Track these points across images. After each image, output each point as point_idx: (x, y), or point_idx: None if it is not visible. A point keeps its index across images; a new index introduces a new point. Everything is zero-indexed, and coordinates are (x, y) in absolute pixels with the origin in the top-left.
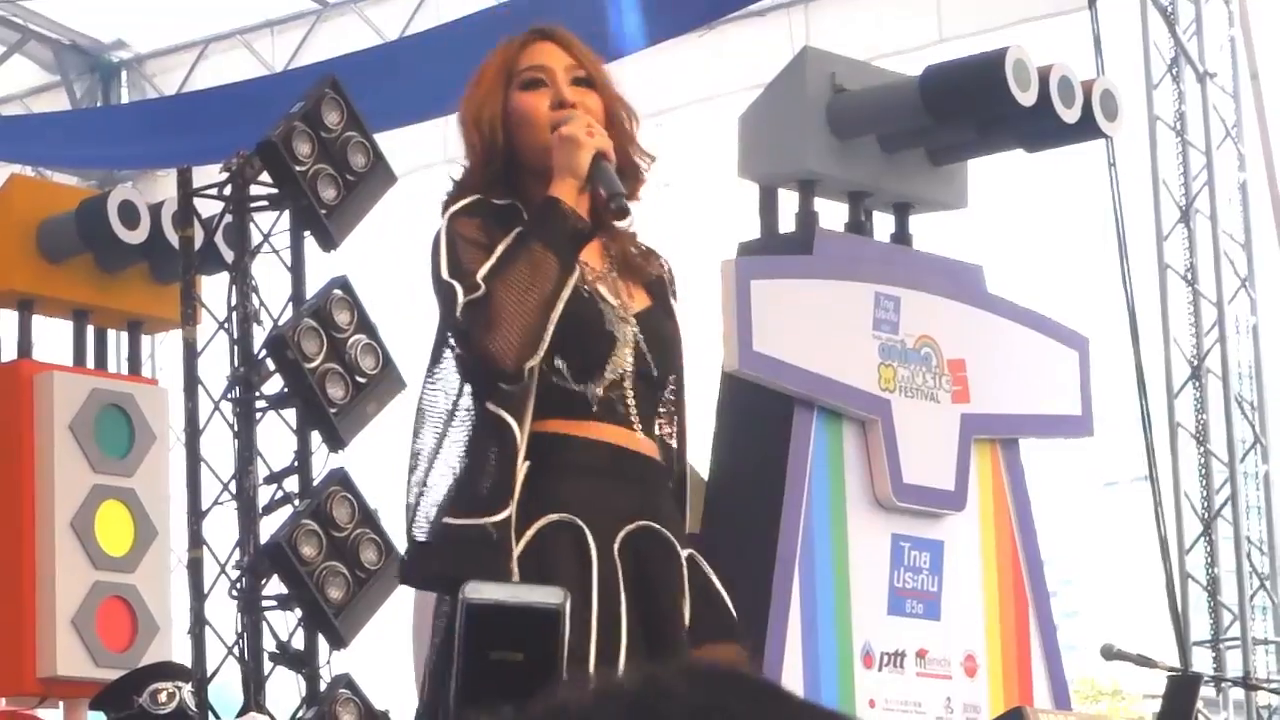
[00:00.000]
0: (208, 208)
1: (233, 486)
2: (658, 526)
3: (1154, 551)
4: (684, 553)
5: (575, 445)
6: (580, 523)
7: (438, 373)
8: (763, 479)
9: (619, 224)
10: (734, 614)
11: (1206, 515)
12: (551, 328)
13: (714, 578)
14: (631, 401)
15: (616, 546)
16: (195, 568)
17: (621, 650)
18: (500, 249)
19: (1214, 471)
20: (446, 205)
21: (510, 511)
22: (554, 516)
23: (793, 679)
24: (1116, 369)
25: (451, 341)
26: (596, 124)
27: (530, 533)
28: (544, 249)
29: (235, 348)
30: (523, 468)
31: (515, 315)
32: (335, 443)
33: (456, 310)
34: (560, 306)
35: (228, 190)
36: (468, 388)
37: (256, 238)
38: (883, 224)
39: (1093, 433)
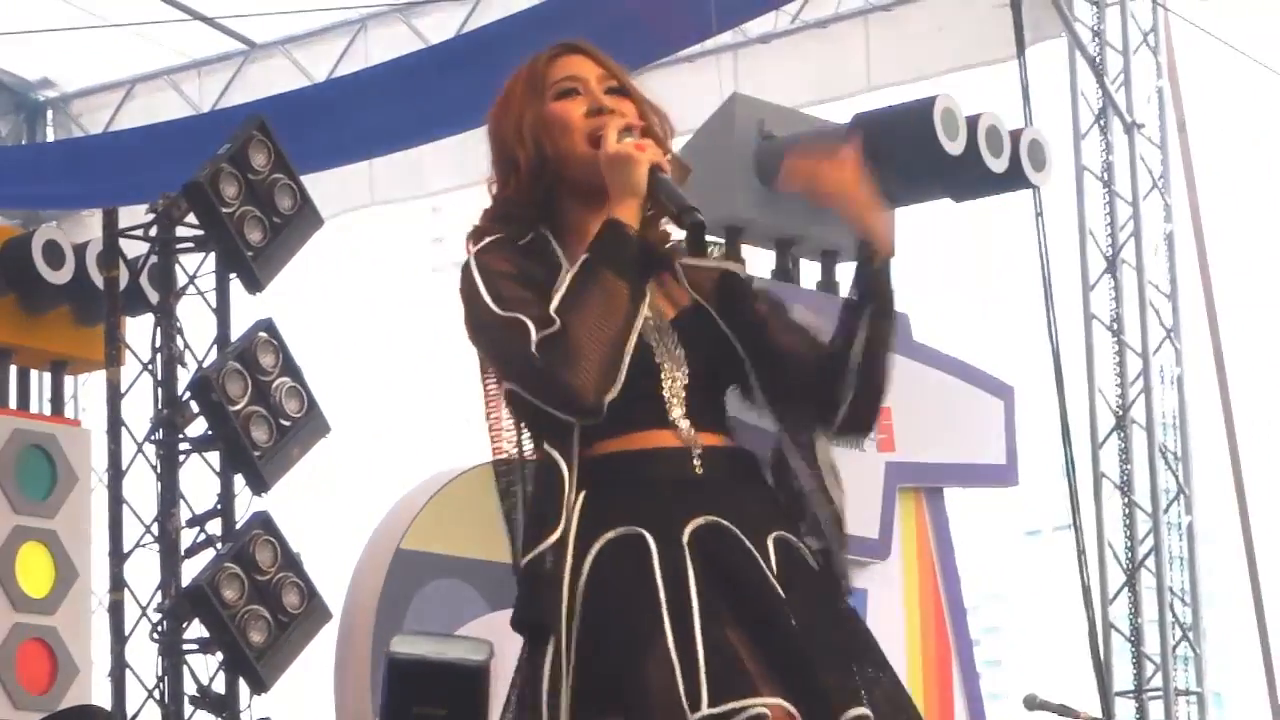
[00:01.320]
0: (133, 248)
1: (155, 529)
2: (724, 522)
3: (1077, 601)
4: (772, 535)
5: (625, 461)
6: (638, 529)
7: (494, 422)
8: None
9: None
10: (858, 630)
11: (1130, 565)
12: (628, 358)
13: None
14: (682, 403)
15: (685, 540)
16: (116, 610)
17: (697, 635)
18: (567, 279)
19: (1138, 522)
20: (475, 237)
21: (558, 534)
22: (610, 534)
23: None
24: (1041, 418)
25: (508, 382)
26: (637, 130)
27: (590, 556)
28: (615, 277)
29: (159, 389)
30: (578, 497)
31: (594, 348)
32: (259, 486)
33: (531, 347)
34: (635, 336)
35: (153, 231)
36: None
37: (182, 279)
38: (809, 271)
39: (1018, 482)
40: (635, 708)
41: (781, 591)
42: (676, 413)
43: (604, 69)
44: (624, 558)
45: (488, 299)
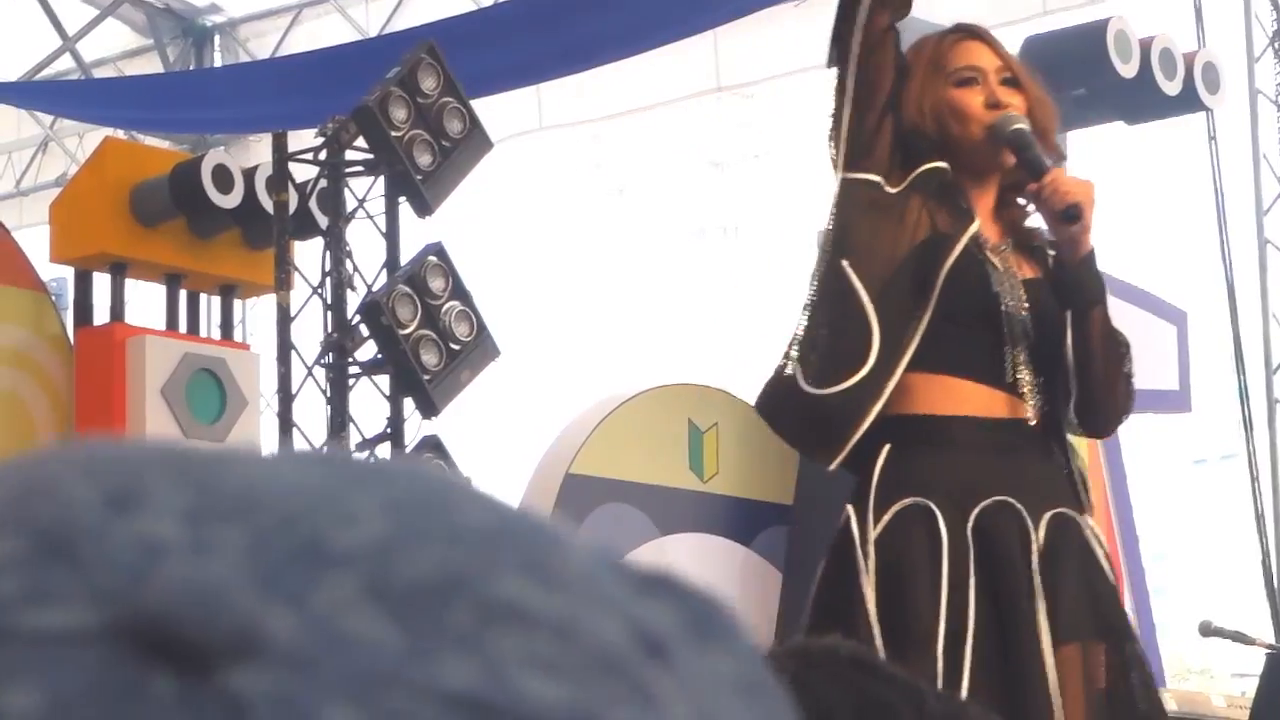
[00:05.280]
0: (302, 173)
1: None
2: (1012, 501)
3: (1245, 530)
4: (1082, 522)
5: (942, 421)
6: (932, 505)
7: None
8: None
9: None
10: (1111, 608)
11: None
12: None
13: (1102, 561)
14: (1016, 368)
15: (970, 525)
16: None
17: (969, 635)
18: None
19: None
20: None
21: (868, 369)
22: (908, 501)
23: None
24: (1214, 344)
25: None
26: (1066, 179)
27: (888, 516)
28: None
29: (329, 313)
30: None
31: None
32: (429, 410)
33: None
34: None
35: (323, 155)
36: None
37: (351, 203)
38: None
39: (1190, 409)
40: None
41: (1039, 578)
42: (1014, 375)
43: (1001, 60)
44: (913, 538)
45: None
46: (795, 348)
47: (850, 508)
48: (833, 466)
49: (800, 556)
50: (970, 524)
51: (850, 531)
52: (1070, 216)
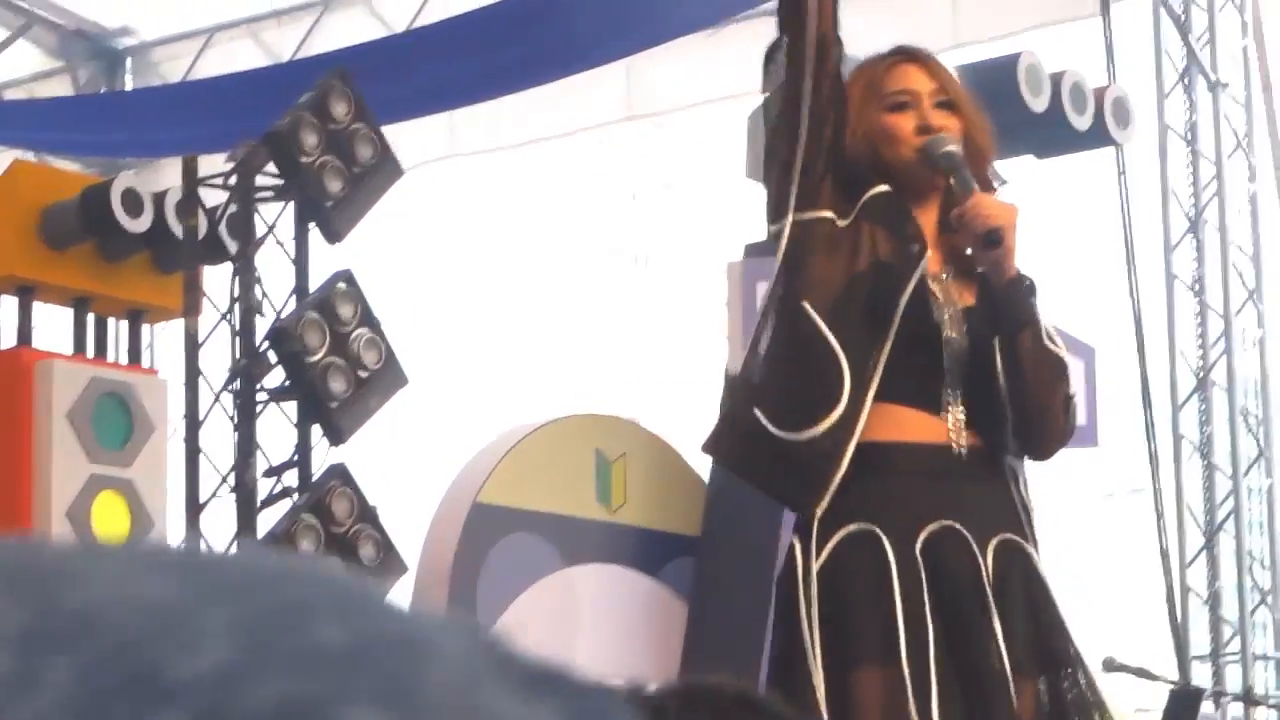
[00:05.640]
0: (212, 197)
1: (231, 479)
2: (958, 526)
3: (1153, 564)
4: (1030, 550)
5: (884, 448)
6: (877, 530)
7: None
8: None
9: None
10: (1061, 637)
11: (1209, 529)
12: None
13: (1051, 590)
14: (955, 395)
15: (919, 548)
16: None
17: (930, 657)
18: None
19: (1217, 485)
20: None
21: (839, 414)
22: (852, 528)
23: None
24: (1121, 379)
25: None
26: (988, 203)
27: (831, 544)
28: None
29: (237, 339)
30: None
31: None
32: (336, 437)
33: None
34: None
35: (233, 180)
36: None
37: (261, 228)
38: None
39: (1098, 443)
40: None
41: (994, 601)
42: (951, 402)
43: (936, 82)
44: (859, 563)
45: None
46: (747, 391)
47: (795, 540)
48: (818, 511)
49: (707, 588)
50: (919, 547)
51: (794, 564)
52: (992, 241)
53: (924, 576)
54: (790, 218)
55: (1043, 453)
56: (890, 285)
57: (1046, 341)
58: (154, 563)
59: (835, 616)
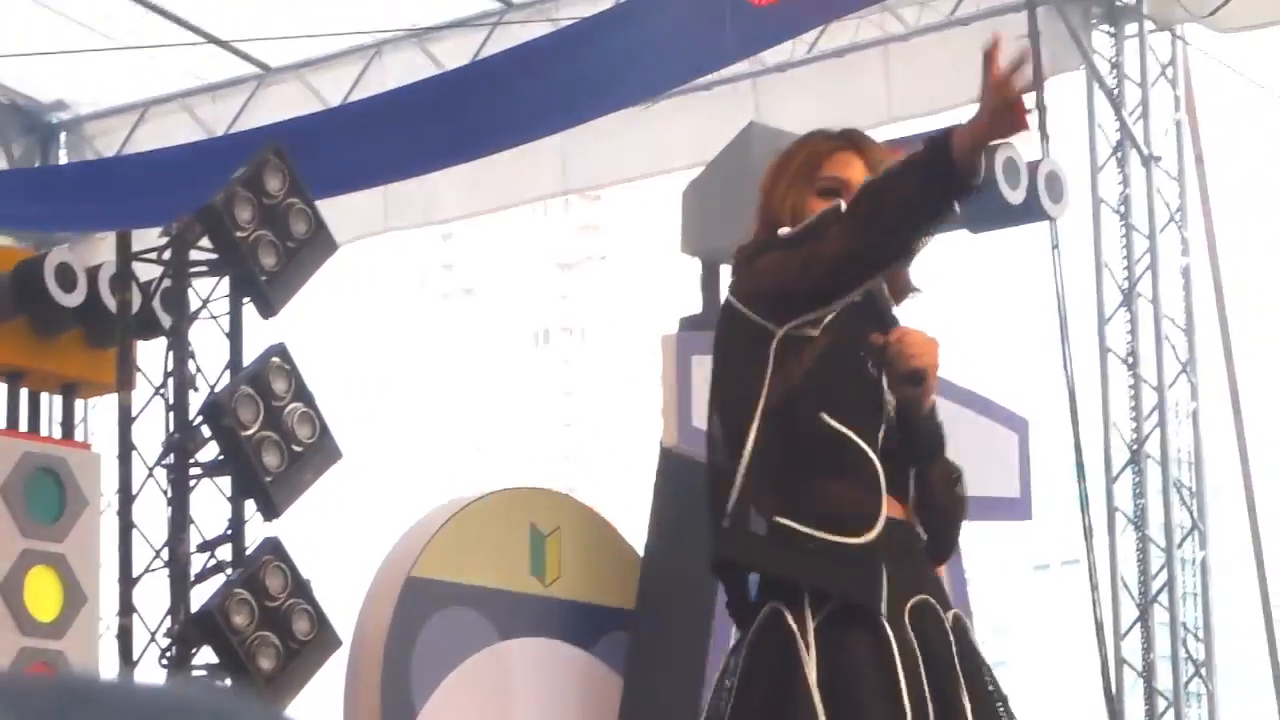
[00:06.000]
0: (146, 271)
1: (165, 554)
2: (932, 600)
3: (1087, 636)
4: (968, 624)
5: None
6: (856, 598)
7: None
8: (699, 557)
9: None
10: (1007, 712)
11: (1143, 600)
12: None
13: (986, 663)
14: (911, 475)
15: (907, 621)
16: (125, 635)
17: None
18: None
19: (1151, 557)
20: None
21: (875, 535)
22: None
23: None
24: (1055, 452)
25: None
26: (913, 338)
27: (824, 613)
28: None
29: (171, 413)
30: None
31: None
32: (269, 511)
33: None
34: None
35: (167, 254)
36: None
37: (195, 303)
38: None
39: (1031, 516)
40: None
41: (963, 679)
42: (900, 479)
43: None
44: (855, 631)
45: None
46: (756, 499)
47: (780, 605)
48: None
49: (641, 662)
50: (907, 620)
51: (784, 627)
52: (914, 380)
53: (917, 650)
54: (783, 330)
55: (945, 559)
56: (872, 382)
57: (956, 485)
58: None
59: (834, 686)
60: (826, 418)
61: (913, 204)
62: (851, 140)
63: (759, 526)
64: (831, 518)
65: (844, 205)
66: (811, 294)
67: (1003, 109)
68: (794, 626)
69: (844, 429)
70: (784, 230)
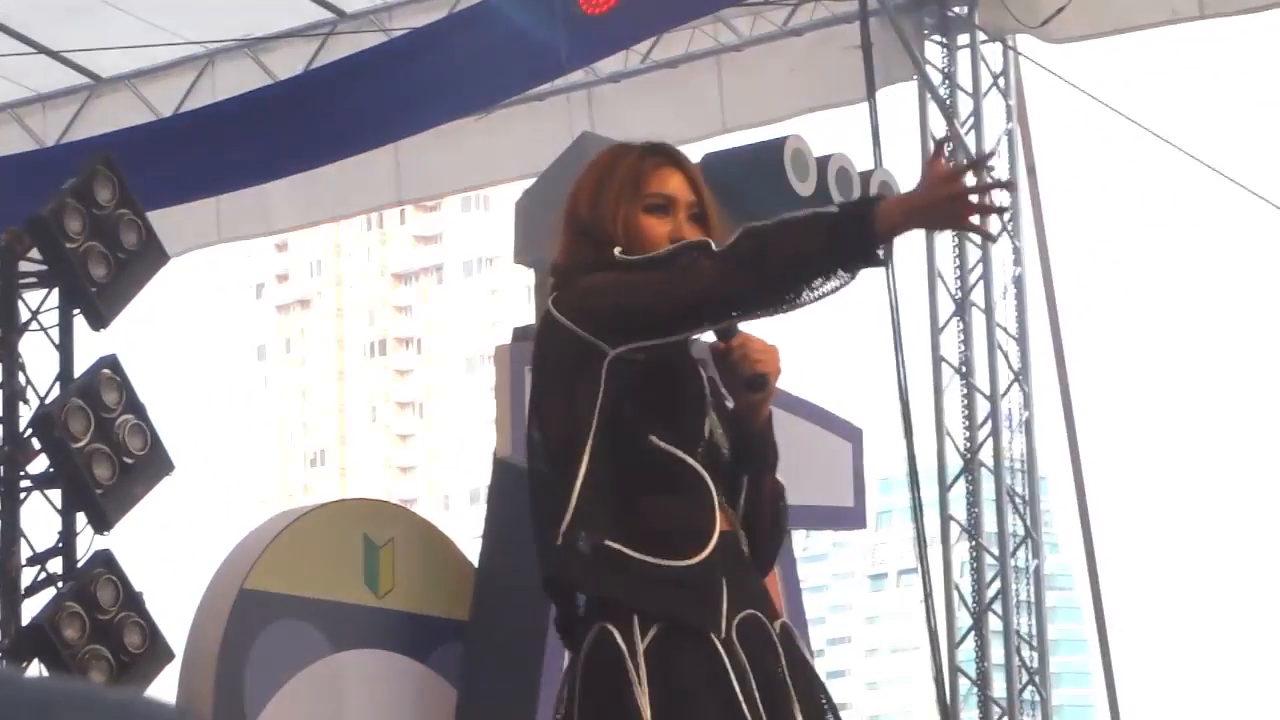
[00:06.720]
0: None
1: None
2: (760, 615)
3: (923, 644)
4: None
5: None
6: (697, 620)
7: None
8: (533, 568)
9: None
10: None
11: (977, 609)
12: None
13: (808, 657)
14: (740, 486)
15: (735, 636)
16: None
17: None
18: None
19: (985, 565)
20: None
21: (708, 553)
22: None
23: None
24: (889, 461)
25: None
26: (755, 344)
27: (652, 632)
28: None
29: (0, 426)
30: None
31: None
32: (101, 524)
33: None
34: None
35: None
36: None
37: (24, 314)
38: None
39: (865, 525)
40: None
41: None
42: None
43: (695, 195)
44: (684, 648)
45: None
46: (583, 523)
47: (609, 625)
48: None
49: (476, 673)
50: (735, 635)
51: (614, 647)
52: (756, 385)
53: (747, 665)
54: (616, 351)
55: (765, 573)
56: (695, 397)
57: (782, 498)
58: None
59: (667, 708)
60: (655, 439)
61: (811, 261)
62: (670, 155)
63: (587, 548)
64: (663, 539)
65: (713, 243)
66: (662, 323)
67: (945, 201)
68: (623, 647)
69: (672, 449)
70: (620, 251)
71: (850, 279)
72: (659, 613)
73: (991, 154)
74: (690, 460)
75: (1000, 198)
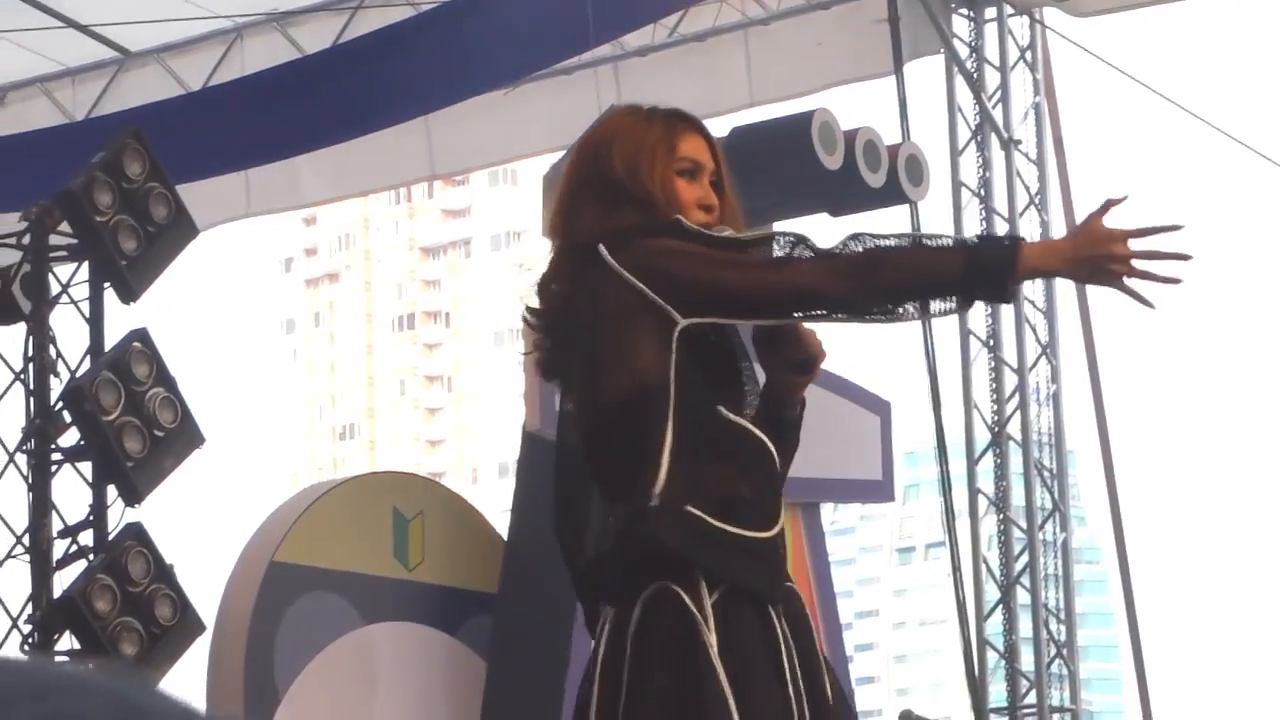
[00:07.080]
0: (5, 256)
1: (26, 539)
2: (795, 588)
3: (951, 618)
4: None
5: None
6: (754, 588)
7: None
8: None
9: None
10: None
11: (1005, 582)
12: None
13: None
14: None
15: (781, 609)
16: None
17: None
18: None
19: (1013, 539)
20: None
21: (776, 530)
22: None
23: None
24: (918, 434)
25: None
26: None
27: (716, 594)
28: None
29: (31, 399)
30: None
31: None
32: (132, 497)
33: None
34: None
35: (26, 239)
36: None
37: (55, 288)
38: None
39: (894, 497)
40: None
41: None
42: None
43: (716, 164)
44: (745, 614)
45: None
46: (684, 485)
47: (671, 583)
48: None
49: (505, 646)
50: (781, 608)
51: (678, 599)
52: (806, 368)
53: (790, 637)
54: (687, 321)
55: None
56: (748, 371)
57: None
58: None
59: (730, 663)
60: (722, 410)
61: (937, 282)
62: (694, 121)
63: (671, 512)
64: (735, 508)
65: (810, 238)
66: (750, 306)
67: (1102, 259)
68: (688, 601)
69: (740, 420)
70: (693, 224)
71: (966, 308)
72: (731, 577)
73: (1174, 227)
74: (757, 431)
75: (1168, 269)
